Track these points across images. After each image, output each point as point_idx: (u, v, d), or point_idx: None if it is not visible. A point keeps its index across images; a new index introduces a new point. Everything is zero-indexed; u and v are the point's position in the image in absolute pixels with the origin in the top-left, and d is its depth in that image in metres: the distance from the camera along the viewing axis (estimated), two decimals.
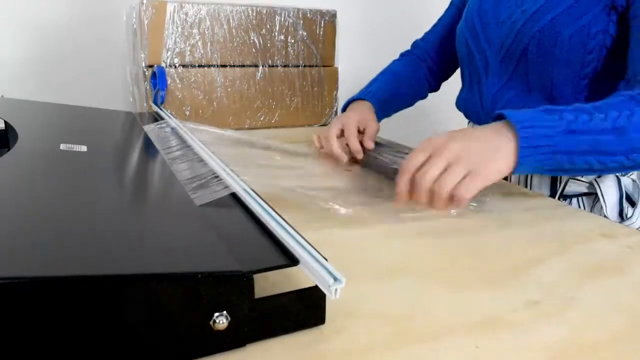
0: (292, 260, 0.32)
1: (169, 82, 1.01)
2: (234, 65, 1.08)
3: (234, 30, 1.06)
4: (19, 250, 0.28)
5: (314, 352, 0.31)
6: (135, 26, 1.04)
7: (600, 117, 0.52)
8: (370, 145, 0.76)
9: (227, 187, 0.46)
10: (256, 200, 0.42)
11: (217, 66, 1.07)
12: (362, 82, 0.89)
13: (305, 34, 1.14)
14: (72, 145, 0.56)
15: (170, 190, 0.48)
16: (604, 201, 0.68)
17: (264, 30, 1.09)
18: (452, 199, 0.50)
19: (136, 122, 0.83)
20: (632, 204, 0.69)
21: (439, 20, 0.94)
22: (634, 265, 0.45)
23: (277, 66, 1.13)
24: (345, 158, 0.75)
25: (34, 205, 0.37)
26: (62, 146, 0.55)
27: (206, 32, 1.04)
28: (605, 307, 0.38)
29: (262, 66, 1.11)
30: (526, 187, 0.75)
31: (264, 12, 1.08)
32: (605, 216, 0.67)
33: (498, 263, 0.45)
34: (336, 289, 0.29)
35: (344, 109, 0.86)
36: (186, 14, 1.01)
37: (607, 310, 0.37)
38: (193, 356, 0.29)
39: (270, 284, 0.34)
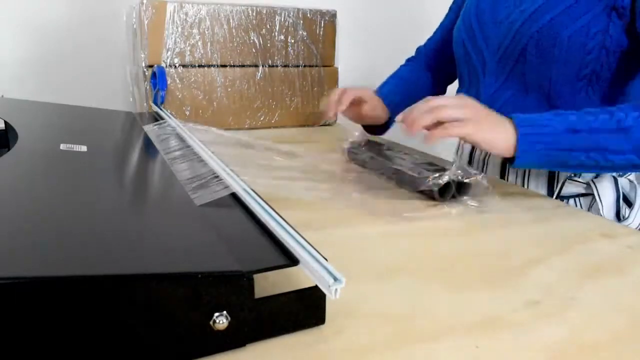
0: (292, 260, 0.32)
1: (169, 82, 1.01)
2: (234, 65, 1.08)
3: (234, 30, 1.06)
4: (19, 250, 0.28)
5: (314, 352, 0.31)
6: (135, 26, 1.04)
7: (605, 118, 0.55)
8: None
9: (227, 187, 0.46)
10: (256, 200, 0.42)
11: (217, 66, 1.07)
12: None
13: (305, 34, 1.14)
14: (72, 145, 0.56)
15: (170, 190, 0.48)
16: (601, 202, 0.68)
17: (264, 30, 1.09)
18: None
19: (136, 122, 0.83)
20: (629, 204, 0.69)
21: (440, 25, 0.94)
22: (634, 265, 0.45)
23: (277, 66, 1.13)
24: (330, 113, 0.80)
25: (34, 205, 0.37)
26: (62, 146, 0.55)
27: (206, 32, 1.04)
28: (605, 307, 0.38)
29: (262, 66, 1.11)
30: (523, 187, 0.75)
31: (264, 12, 1.08)
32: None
33: (498, 263, 0.45)
34: (336, 289, 0.29)
35: None
36: (186, 14, 1.01)
37: (607, 310, 0.37)
38: (193, 356, 0.29)
39: (270, 284, 0.34)
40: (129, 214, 0.40)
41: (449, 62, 0.88)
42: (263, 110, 1.13)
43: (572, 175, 0.70)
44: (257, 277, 0.30)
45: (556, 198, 0.71)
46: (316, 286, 0.31)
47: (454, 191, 0.60)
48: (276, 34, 1.11)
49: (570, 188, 0.71)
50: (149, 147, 0.66)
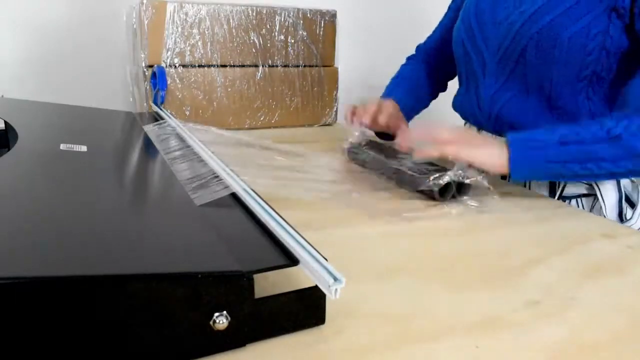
0: (292, 260, 0.32)
1: (169, 82, 1.01)
2: (234, 65, 1.08)
3: (234, 30, 1.06)
4: (19, 250, 0.28)
5: (314, 352, 0.31)
6: (135, 26, 1.03)
7: (596, 128, 0.57)
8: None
9: (227, 187, 0.46)
10: (256, 200, 0.42)
11: (217, 66, 1.07)
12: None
13: (305, 34, 1.14)
14: (72, 145, 0.56)
15: (170, 190, 0.48)
16: (604, 202, 0.68)
17: (264, 30, 1.09)
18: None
19: (136, 122, 0.83)
20: (632, 205, 0.69)
21: (439, 23, 0.94)
22: (634, 265, 0.45)
23: (277, 66, 1.13)
24: (355, 127, 0.79)
25: (34, 205, 0.37)
26: (62, 146, 0.55)
27: (206, 32, 1.04)
28: (605, 307, 0.38)
29: (262, 66, 1.11)
30: (525, 188, 0.75)
31: (264, 12, 1.08)
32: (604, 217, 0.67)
33: (498, 263, 0.45)
34: (336, 289, 0.29)
35: None
36: (186, 14, 1.01)
37: (607, 310, 0.37)
38: (193, 356, 0.29)
39: (270, 284, 0.34)
40: (129, 214, 0.40)
41: (449, 60, 0.88)
42: (263, 110, 1.13)
43: None
44: (257, 277, 0.30)
45: (558, 198, 0.71)
46: (316, 286, 0.31)
47: (454, 191, 0.60)
48: (276, 34, 1.11)
49: (572, 188, 0.71)
50: (149, 147, 0.66)
